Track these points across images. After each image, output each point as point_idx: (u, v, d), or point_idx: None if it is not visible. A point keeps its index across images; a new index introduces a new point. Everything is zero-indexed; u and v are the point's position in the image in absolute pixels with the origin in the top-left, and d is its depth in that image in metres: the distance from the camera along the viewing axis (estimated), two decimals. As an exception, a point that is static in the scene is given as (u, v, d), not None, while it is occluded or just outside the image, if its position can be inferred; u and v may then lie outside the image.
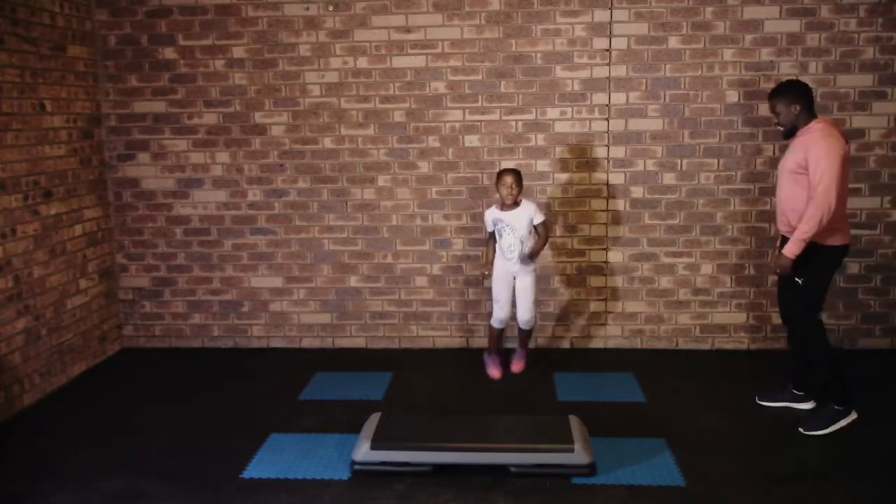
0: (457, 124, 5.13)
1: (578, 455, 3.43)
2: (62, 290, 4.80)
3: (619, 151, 5.09)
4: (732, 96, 4.99)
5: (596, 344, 5.32)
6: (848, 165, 3.79)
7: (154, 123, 5.26)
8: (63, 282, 4.81)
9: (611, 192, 5.15)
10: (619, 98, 5.04)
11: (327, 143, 5.21)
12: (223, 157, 5.27)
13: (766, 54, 4.93)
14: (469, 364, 5.02)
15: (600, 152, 5.10)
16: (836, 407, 3.95)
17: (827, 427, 3.91)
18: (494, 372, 4.77)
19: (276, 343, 5.45)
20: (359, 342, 5.41)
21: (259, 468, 3.63)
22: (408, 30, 5.06)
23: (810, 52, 4.92)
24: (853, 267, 5.11)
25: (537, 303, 4.95)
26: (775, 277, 4.15)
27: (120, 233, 5.39)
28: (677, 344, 5.28)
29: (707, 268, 5.18)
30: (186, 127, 5.25)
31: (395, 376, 4.82)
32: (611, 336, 5.31)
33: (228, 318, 5.44)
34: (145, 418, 4.24)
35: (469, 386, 4.65)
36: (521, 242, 4.57)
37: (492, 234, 4.71)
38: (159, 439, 3.96)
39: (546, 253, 5.04)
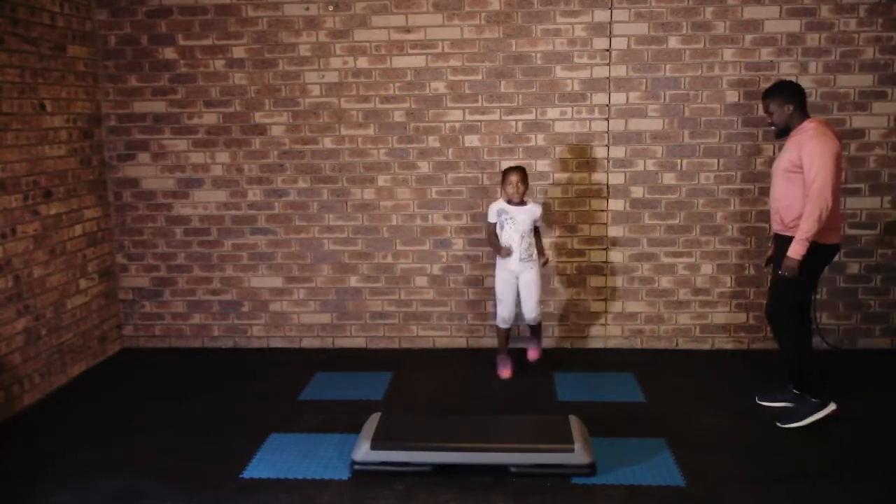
0: (457, 124, 5.13)
1: (578, 455, 3.44)
2: (62, 290, 4.80)
3: (619, 151, 5.09)
4: (732, 96, 4.99)
5: (596, 344, 5.32)
6: (841, 164, 3.83)
7: (154, 123, 5.26)
8: (63, 282, 4.81)
9: (611, 192, 5.15)
10: (619, 98, 5.04)
11: (327, 143, 5.21)
12: (223, 157, 5.27)
13: (766, 54, 4.93)
14: (469, 364, 5.02)
15: (600, 152, 5.10)
16: (812, 399, 3.99)
17: (804, 420, 3.96)
18: (505, 372, 4.75)
19: (276, 343, 5.45)
20: (359, 342, 5.41)
21: (259, 468, 3.63)
22: (408, 30, 5.06)
23: (810, 52, 4.92)
24: (853, 267, 5.11)
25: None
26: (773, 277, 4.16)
27: (120, 233, 5.39)
28: (677, 344, 5.28)
29: (707, 268, 5.18)
30: (186, 127, 5.25)
31: (395, 376, 4.82)
32: (611, 336, 5.31)
33: (228, 318, 5.44)
34: (145, 418, 4.24)
35: (469, 386, 4.65)
36: (521, 237, 4.57)
37: (494, 232, 4.73)
38: (159, 439, 3.96)
39: (546, 253, 5.03)
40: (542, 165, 5.14)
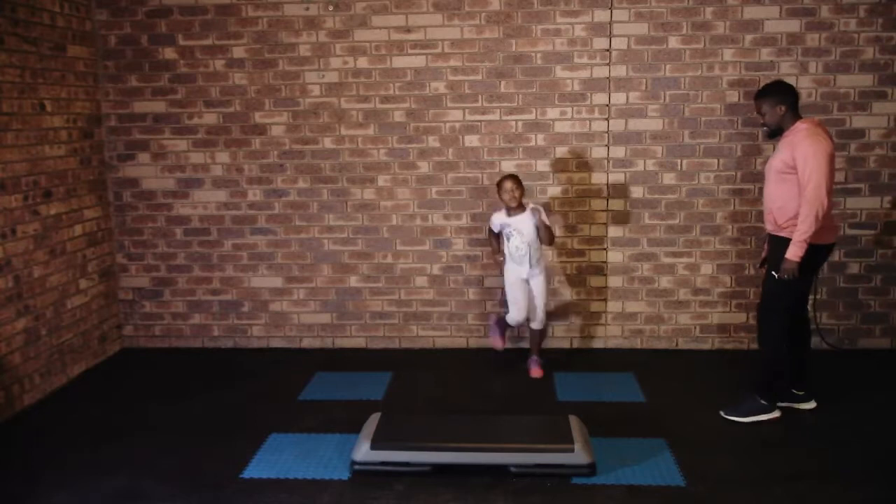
0: (457, 124, 5.13)
1: (578, 455, 3.44)
2: (62, 290, 4.80)
3: (619, 151, 5.09)
4: (732, 96, 4.99)
5: (596, 344, 5.32)
6: (834, 164, 3.83)
7: (154, 123, 5.26)
8: (63, 282, 4.81)
9: (611, 192, 5.15)
10: (619, 98, 5.04)
11: (327, 143, 5.21)
12: (223, 157, 5.27)
13: (766, 54, 4.93)
14: (469, 364, 5.02)
15: (600, 152, 5.10)
16: (761, 401, 4.03)
17: (746, 417, 4.04)
18: (498, 341, 4.74)
19: (276, 343, 5.45)
20: (359, 342, 5.41)
21: (259, 468, 3.63)
22: (408, 30, 5.06)
23: (810, 52, 4.92)
24: (853, 267, 5.11)
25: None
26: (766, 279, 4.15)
27: (120, 233, 5.39)
28: (677, 344, 5.28)
29: (707, 268, 5.18)
30: (186, 127, 5.25)
31: (395, 376, 4.82)
32: (611, 336, 5.31)
33: (228, 318, 5.44)
34: (145, 418, 4.24)
35: (469, 386, 4.65)
36: (529, 246, 4.58)
37: (494, 234, 4.74)
38: (159, 439, 3.96)
39: (546, 253, 5.04)
40: (541, 165, 5.14)
